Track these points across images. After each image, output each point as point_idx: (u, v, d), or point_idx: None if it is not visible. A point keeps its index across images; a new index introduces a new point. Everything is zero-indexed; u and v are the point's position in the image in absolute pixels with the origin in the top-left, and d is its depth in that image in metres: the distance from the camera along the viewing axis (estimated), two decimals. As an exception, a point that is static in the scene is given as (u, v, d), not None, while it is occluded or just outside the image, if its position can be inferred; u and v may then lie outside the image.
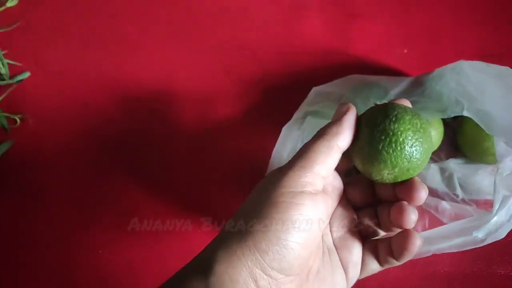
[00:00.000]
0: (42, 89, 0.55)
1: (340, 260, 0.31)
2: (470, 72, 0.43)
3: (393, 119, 0.29)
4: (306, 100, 0.49)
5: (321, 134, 0.30)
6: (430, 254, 0.38)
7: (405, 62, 0.56)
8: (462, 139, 0.49)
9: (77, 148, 0.54)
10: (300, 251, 0.27)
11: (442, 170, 0.49)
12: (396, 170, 0.29)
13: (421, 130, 0.29)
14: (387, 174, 0.29)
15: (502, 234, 0.37)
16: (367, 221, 0.33)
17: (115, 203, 0.52)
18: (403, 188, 0.30)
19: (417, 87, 0.49)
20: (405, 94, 0.48)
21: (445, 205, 0.46)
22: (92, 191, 0.52)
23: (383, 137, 0.29)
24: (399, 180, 0.30)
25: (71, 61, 0.57)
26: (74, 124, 0.55)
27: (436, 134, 0.47)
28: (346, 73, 0.52)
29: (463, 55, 0.47)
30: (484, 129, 0.39)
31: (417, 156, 0.29)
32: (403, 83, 0.50)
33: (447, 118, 0.51)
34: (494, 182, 0.37)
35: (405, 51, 0.57)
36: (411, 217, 0.29)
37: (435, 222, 0.46)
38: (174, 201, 0.52)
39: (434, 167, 0.49)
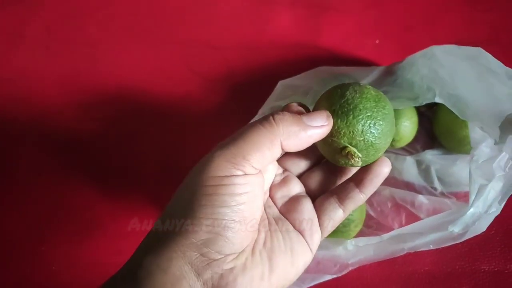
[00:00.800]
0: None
1: (292, 223, 0.29)
2: (442, 57, 0.41)
3: (353, 91, 0.28)
4: (272, 95, 0.46)
5: (270, 122, 0.26)
6: (405, 252, 0.35)
7: (378, 53, 0.54)
8: (438, 129, 0.46)
9: (32, 155, 0.51)
10: (238, 227, 0.25)
11: (419, 163, 0.46)
12: (354, 143, 0.27)
13: (382, 108, 0.28)
14: (347, 153, 0.27)
15: (481, 228, 0.34)
16: (310, 183, 0.31)
17: (72, 214, 0.48)
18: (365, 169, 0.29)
19: (388, 77, 0.46)
20: (375, 84, 0.45)
21: (422, 199, 0.43)
22: (49, 202, 0.49)
23: (341, 110, 0.27)
24: (359, 164, 0.28)
25: (28, 66, 0.54)
26: (31, 131, 0.51)
27: (409, 124, 0.44)
28: (316, 66, 0.49)
29: (437, 43, 0.45)
30: (457, 115, 0.36)
31: (377, 132, 0.27)
32: (374, 73, 0.47)
33: (422, 108, 0.48)
34: (470, 171, 0.34)
35: (377, 41, 0.55)
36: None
37: (413, 218, 0.43)
38: (140, 201, 0.48)
39: (410, 160, 0.46)
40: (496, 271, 0.41)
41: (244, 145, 0.25)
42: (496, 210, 0.32)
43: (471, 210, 0.32)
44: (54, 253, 0.46)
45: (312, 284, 0.39)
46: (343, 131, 0.27)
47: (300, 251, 0.28)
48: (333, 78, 0.48)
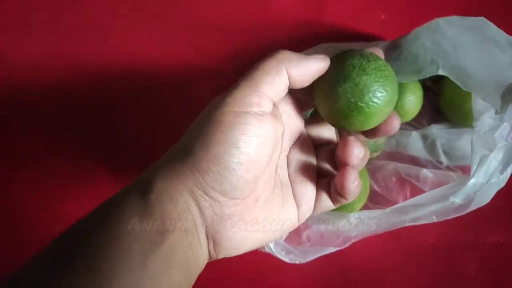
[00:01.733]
0: (5, 82, 0.53)
1: (294, 194, 0.30)
2: (446, 28, 0.40)
3: (358, 58, 0.28)
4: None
5: (272, 54, 0.28)
6: (406, 224, 0.35)
7: (383, 28, 0.53)
8: (443, 103, 0.46)
9: (46, 143, 0.52)
10: (242, 172, 0.26)
11: (424, 137, 0.46)
12: (354, 111, 0.28)
13: (386, 76, 0.28)
14: (347, 116, 0.28)
15: (485, 199, 0.34)
16: (323, 160, 0.32)
17: (86, 193, 0.50)
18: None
19: (393, 51, 0.46)
20: (379, 58, 0.45)
21: (426, 173, 0.43)
22: (61, 182, 0.50)
23: (343, 75, 0.28)
24: (358, 128, 0.29)
25: (36, 52, 0.55)
26: (39, 115, 0.53)
27: (414, 99, 0.44)
28: (318, 43, 0.49)
29: (444, 13, 0.44)
30: (460, 86, 0.36)
31: (380, 98, 0.27)
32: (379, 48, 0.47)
33: (427, 82, 0.48)
34: (471, 142, 0.34)
35: (382, 16, 0.54)
36: (354, 151, 0.28)
37: (417, 192, 0.43)
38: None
39: (416, 135, 0.46)
40: (501, 243, 0.41)
41: (254, 75, 0.27)
42: (497, 180, 0.32)
43: (472, 180, 0.32)
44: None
45: (315, 256, 0.39)
46: (349, 92, 0.27)
47: (290, 220, 0.30)
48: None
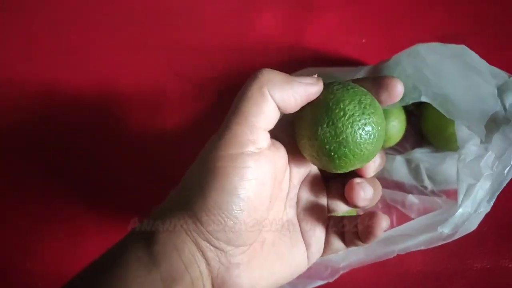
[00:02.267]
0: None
1: (303, 234, 0.29)
2: (426, 55, 0.41)
3: (336, 93, 0.26)
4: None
5: (255, 75, 0.25)
6: (395, 254, 0.34)
7: (364, 52, 0.54)
8: (426, 127, 0.46)
9: (12, 164, 0.50)
10: (245, 219, 0.25)
11: (408, 162, 0.46)
12: (337, 154, 0.25)
13: (370, 110, 0.25)
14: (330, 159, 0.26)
15: (471, 227, 0.34)
16: (334, 197, 0.30)
17: (55, 228, 0.47)
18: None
19: (374, 76, 0.46)
20: (361, 84, 0.45)
21: (412, 199, 0.42)
22: (29, 216, 0.48)
23: (325, 113, 0.25)
24: (343, 169, 0.27)
25: (10, 76, 0.53)
26: (11, 140, 0.51)
27: (397, 124, 0.44)
28: (302, 67, 0.49)
29: (423, 38, 0.45)
30: (444, 114, 0.36)
31: (365, 138, 0.25)
32: (361, 73, 0.47)
33: (409, 106, 0.48)
34: (457, 170, 0.34)
35: (363, 40, 0.54)
36: (360, 194, 0.27)
37: (404, 218, 0.43)
38: (117, 211, 0.48)
39: (400, 159, 0.46)
40: (488, 269, 0.41)
41: (241, 107, 0.25)
42: (485, 209, 0.32)
43: (460, 210, 0.32)
44: (39, 270, 0.45)
45: (304, 289, 0.38)
46: (329, 133, 0.25)
47: (299, 262, 0.29)
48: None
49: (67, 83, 0.53)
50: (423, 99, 0.37)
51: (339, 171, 0.27)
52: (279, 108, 0.25)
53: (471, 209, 0.32)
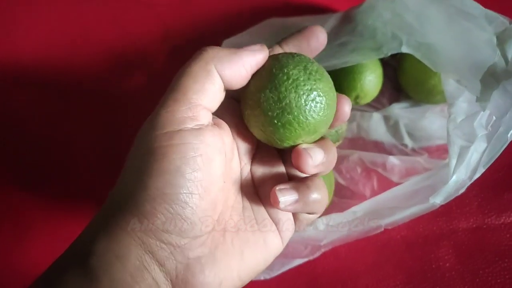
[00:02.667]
0: None
1: (269, 213, 0.26)
2: (407, -2, 0.35)
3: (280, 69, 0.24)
4: (216, 58, 0.40)
5: (198, 54, 0.23)
6: (382, 229, 0.31)
7: (332, -4, 0.48)
8: (404, 79, 0.42)
9: None
10: (197, 202, 0.21)
11: (386, 118, 0.42)
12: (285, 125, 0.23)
13: (316, 76, 0.24)
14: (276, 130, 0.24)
15: (462, 191, 0.31)
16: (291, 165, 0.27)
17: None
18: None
19: (346, 25, 0.41)
20: (333, 34, 0.40)
21: (393, 160, 0.39)
22: None
23: (270, 81, 0.23)
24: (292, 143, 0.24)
25: None
26: None
27: (374, 78, 0.39)
28: (264, 18, 0.43)
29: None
30: (429, 66, 0.31)
31: (311, 105, 0.23)
32: (330, 21, 0.41)
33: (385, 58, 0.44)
34: (447, 132, 0.30)
35: (330, -18, 0.48)
36: (308, 160, 0.23)
37: (385, 182, 0.40)
38: (68, 200, 0.42)
39: (377, 116, 0.42)
40: (474, 228, 0.39)
41: (182, 83, 0.22)
42: (480, 175, 0.29)
43: (454, 178, 0.29)
44: None
45: (281, 270, 0.35)
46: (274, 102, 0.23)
47: (272, 243, 0.25)
48: (283, 31, 0.42)
49: (15, 49, 0.45)
50: (405, 49, 0.33)
51: (285, 145, 0.24)
52: (226, 84, 0.24)
53: (465, 175, 0.29)
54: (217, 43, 0.40)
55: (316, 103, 0.23)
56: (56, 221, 0.42)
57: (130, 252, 0.20)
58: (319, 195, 0.24)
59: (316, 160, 0.24)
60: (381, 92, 0.43)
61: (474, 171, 0.28)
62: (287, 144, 0.24)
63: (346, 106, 0.26)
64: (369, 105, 0.43)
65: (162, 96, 0.23)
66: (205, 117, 0.23)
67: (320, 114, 0.23)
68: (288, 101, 0.23)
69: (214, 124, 0.24)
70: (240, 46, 0.40)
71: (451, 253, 0.38)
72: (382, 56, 0.34)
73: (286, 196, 0.23)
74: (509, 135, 0.27)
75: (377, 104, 0.43)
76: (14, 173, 0.43)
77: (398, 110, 0.42)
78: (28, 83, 0.45)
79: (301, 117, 0.23)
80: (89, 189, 0.42)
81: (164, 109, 0.22)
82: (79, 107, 0.44)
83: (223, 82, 0.23)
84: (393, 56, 0.44)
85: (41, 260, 0.39)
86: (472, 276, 0.37)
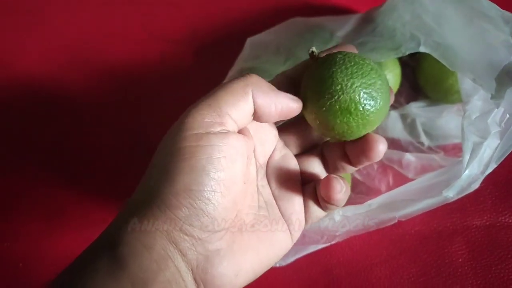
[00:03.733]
0: None
1: (282, 212, 0.28)
2: (427, 0, 0.37)
3: (336, 70, 0.25)
4: (241, 55, 0.42)
5: (241, 76, 0.25)
6: (396, 221, 0.32)
7: (354, -2, 0.49)
8: (422, 79, 0.43)
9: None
10: (218, 199, 0.23)
11: (403, 117, 0.43)
12: (345, 127, 0.25)
13: (372, 77, 0.25)
14: (340, 131, 0.26)
15: (475, 186, 0.32)
16: (306, 167, 0.29)
17: (34, 205, 0.44)
18: (356, 146, 0.27)
19: (366, 25, 0.42)
20: (353, 34, 0.41)
21: (409, 157, 0.40)
22: (5, 193, 0.44)
23: (327, 91, 0.25)
24: (351, 138, 0.27)
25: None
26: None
27: (392, 77, 0.41)
28: (287, 18, 0.44)
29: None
30: (446, 66, 0.32)
31: (370, 106, 0.25)
32: (351, 22, 0.43)
33: (404, 57, 0.45)
34: (462, 128, 0.31)
35: (352, -16, 0.50)
36: (336, 188, 0.26)
37: (400, 178, 0.41)
38: (97, 189, 0.44)
39: (394, 114, 0.43)
40: (488, 225, 0.39)
41: (218, 94, 0.24)
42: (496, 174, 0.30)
43: (466, 172, 0.30)
44: (18, 249, 0.42)
45: (296, 257, 0.37)
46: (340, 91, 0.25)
47: (283, 240, 0.27)
48: (306, 30, 0.43)
49: (30, 45, 0.48)
50: (422, 49, 0.34)
51: (349, 138, 0.27)
52: (255, 113, 0.25)
53: (478, 170, 0.30)
54: (242, 40, 0.42)
55: (374, 99, 0.25)
56: (86, 210, 0.44)
57: (155, 242, 0.22)
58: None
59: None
60: (399, 92, 0.44)
61: (487, 166, 0.29)
62: (349, 138, 0.26)
63: (381, 145, 0.26)
64: (387, 103, 0.44)
65: (197, 100, 0.25)
66: (232, 126, 0.24)
67: (377, 109, 0.25)
68: (349, 100, 0.25)
69: (239, 132, 0.26)
70: (264, 44, 0.42)
71: (464, 249, 0.39)
72: (400, 55, 0.35)
73: (340, 184, 0.26)
74: (522, 130, 0.28)
75: (394, 103, 0.44)
76: (52, 168, 0.46)
77: (416, 109, 0.43)
78: (69, 81, 0.47)
79: (361, 115, 0.25)
80: (116, 183, 0.45)
81: (197, 111, 0.24)
82: (110, 98, 0.47)
83: (255, 105, 0.25)
84: (412, 56, 0.45)
85: (71, 247, 0.42)
86: (484, 271, 0.38)
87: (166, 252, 0.22)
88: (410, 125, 0.43)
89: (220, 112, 0.24)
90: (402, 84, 0.43)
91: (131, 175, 0.43)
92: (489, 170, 0.29)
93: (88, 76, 0.48)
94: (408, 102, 0.44)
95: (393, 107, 0.44)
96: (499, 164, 0.39)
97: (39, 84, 0.47)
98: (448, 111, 0.42)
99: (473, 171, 0.30)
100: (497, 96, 0.28)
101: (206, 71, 0.46)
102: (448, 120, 0.42)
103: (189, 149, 0.23)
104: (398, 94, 0.44)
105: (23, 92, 0.47)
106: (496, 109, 0.29)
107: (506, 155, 0.29)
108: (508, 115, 0.29)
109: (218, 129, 0.24)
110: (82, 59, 0.48)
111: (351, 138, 0.27)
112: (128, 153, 0.46)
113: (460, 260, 0.38)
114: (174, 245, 0.22)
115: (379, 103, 0.25)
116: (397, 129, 0.43)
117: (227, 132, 0.24)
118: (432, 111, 0.42)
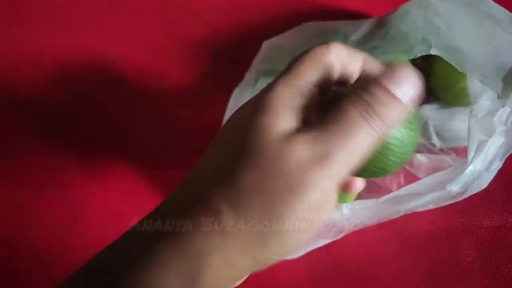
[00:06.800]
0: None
1: None
2: (438, 5, 0.38)
3: None
4: (257, 57, 0.44)
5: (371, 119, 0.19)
6: (401, 214, 0.33)
7: (369, 3, 0.50)
8: (434, 82, 0.44)
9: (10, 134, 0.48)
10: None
11: (416, 119, 0.44)
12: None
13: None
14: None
15: (482, 185, 0.33)
16: None
17: (57, 196, 0.46)
18: None
19: (379, 29, 0.43)
20: (366, 38, 0.43)
21: (420, 158, 0.41)
22: (30, 184, 0.47)
23: None
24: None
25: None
26: (8, 109, 0.49)
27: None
28: (302, 22, 0.46)
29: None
30: (456, 67, 0.33)
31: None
32: (364, 26, 0.44)
33: (417, 60, 0.46)
34: (468, 126, 0.32)
35: (368, -10, 0.51)
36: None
37: (411, 178, 0.41)
38: (120, 178, 0.46)
39: (407, 117, 0.44)
40: (497, 226, 0.40)
41: (332, 138, 0.19)
42: (497, 167, 0.30)
43: (470, 167, 0.31)
44: (42, 240, 0.45)
45: (305, 250, 0.38)
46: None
47: None
48: (320, 34, 0.45)
49: (55, 50, 0.51)
50: (433, 51, 0.35)
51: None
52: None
53: (482, 166, 0.31)
54: (259, 43, 0.44)
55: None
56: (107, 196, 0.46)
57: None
58: None
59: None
60: (412, 94, 0.45)
61: (491, 162, 0.30)
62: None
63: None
64: (399, 105, 0.45)
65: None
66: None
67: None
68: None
69: None
70: (280, 47, 0.44)
71: (473, 248, 0.39)
72: (412, 57, 0.36)
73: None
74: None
75: (407, 105, 0.45)
76: (65, 149, 0.48)
77: (428, 111, 0.44)
78: (106, 81, 0.50)
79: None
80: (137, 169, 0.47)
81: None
82: (132, 100, 0.49)
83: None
84: (425, 59, 0.46)
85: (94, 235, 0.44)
86: (493, 270, 0.38)
87: None
88: (422, 127, 0.44)
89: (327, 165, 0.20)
90: (415, 87, 0.44)
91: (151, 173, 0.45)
92: (494, 167, 0.30)
93: (110, 79, 0.50)
94: (420, 104, 0.45)
95: (406, 109, 0.45)
96: (510, 165, 0.40)
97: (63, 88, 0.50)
98: (460, 113, 0.43)
99: (477, 167, 0.30)
100: (503, 95, 0.29)
101: (224, 71, 0.48)
102: (460, 123, 0.43)
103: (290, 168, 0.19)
104: (411, 96, 0.44)
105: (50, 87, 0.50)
106: (502, 108, 0.30)
107: (510, 152, 0.30)
108: (513, 114, 0.30)
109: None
110: (107, 61, 0.50)
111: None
112: (150, 153, 0.48)
113: (469, 259, 0.39)
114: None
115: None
116: (409, 131, 0.43)
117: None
118: (444, 113, 0.43)
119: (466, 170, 0.30)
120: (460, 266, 0.39)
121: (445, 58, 0.34)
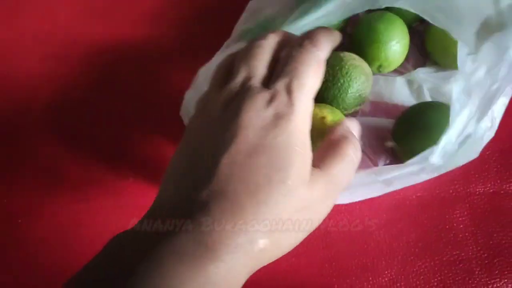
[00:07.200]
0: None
1: None
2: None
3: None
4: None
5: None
6: (384, 187, 0.33)
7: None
8: (430, 45, 0.42)
9: (14, 117, 0.49)
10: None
11: (410, 83, 0.42)
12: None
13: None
14: None
15: (473, 154, 0.32)
16: None
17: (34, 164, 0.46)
18: None
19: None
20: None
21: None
22: (40, 171, 0.47)
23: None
24: None
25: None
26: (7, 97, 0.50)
27: (399, 47, 0.40)
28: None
29: None
30: (427, 20, 0.32)
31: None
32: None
33: (413, 23, 0.44)
34: (453, 90, 0.31)
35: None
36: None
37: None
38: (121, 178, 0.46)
39: (401, 80, 0.43)
40: (491, 193, 0.38)
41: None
42: (474, 130, 0.29)
43: (446, 135, 0.29)
44: (52, 239, 0.43)
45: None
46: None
47: None
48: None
49: (39, 32, 0.51)
50: (400, 4, 0.33)
51: None
52: None
53: (460, 131, 0.29)
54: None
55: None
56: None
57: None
58: None
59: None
60: (406, 58, 0.43)
61: (466, 126, 0.29)
62: None
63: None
64: (393, 71, 0.44)
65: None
66: None
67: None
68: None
69: None
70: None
71: (466, 215, 0.38)
72: (377, 7, 0.34)
73: None
74: (494, 87, 0.27)
75: (401, 69, 0.43)
76: (72, 145, 0.48)
77: (423, 74, 0.42)
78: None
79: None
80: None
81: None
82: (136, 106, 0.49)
83: None
84: (421, 21, 0.44)
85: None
86: (485, 238, 0.37)
87: None
88: (417, 91, 0.42)
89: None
90: (410, 50, 0.42)
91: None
92: (469, 130, 0.29)
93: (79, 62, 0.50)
94: (415, 68, 0.43)
95: (400, 72, 0.43)
96: (506, 132, 0.38)
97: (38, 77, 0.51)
98: (456, 77, 0.41)
99: (454, 132, 0.29)
100: (474, 51, 0.28)
101: (207, 28, 0.47)
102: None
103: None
104: (406, 60, 0.43)
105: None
106: (478, 70, 0.29)
107: (486, 113, 0.29)
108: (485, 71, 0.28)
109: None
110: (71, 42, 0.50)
111: None
112: (147, 126, 0.47)
113: (461, 226, 0.38)
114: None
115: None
116: (403, 95, 0.42)
117: None
118: (440, 77, 0.41)
119: (443, 138, 0.29)
120: (451, 233, 0.38)
121: (414, 11, 0.32)
